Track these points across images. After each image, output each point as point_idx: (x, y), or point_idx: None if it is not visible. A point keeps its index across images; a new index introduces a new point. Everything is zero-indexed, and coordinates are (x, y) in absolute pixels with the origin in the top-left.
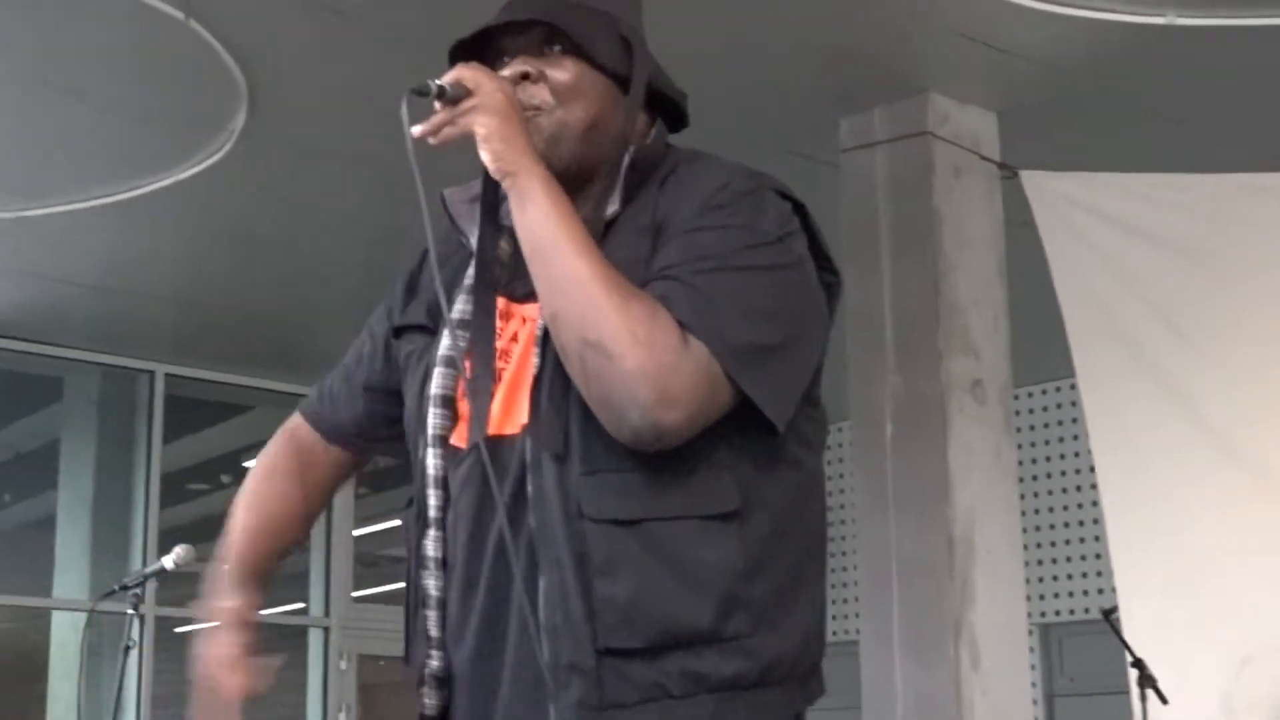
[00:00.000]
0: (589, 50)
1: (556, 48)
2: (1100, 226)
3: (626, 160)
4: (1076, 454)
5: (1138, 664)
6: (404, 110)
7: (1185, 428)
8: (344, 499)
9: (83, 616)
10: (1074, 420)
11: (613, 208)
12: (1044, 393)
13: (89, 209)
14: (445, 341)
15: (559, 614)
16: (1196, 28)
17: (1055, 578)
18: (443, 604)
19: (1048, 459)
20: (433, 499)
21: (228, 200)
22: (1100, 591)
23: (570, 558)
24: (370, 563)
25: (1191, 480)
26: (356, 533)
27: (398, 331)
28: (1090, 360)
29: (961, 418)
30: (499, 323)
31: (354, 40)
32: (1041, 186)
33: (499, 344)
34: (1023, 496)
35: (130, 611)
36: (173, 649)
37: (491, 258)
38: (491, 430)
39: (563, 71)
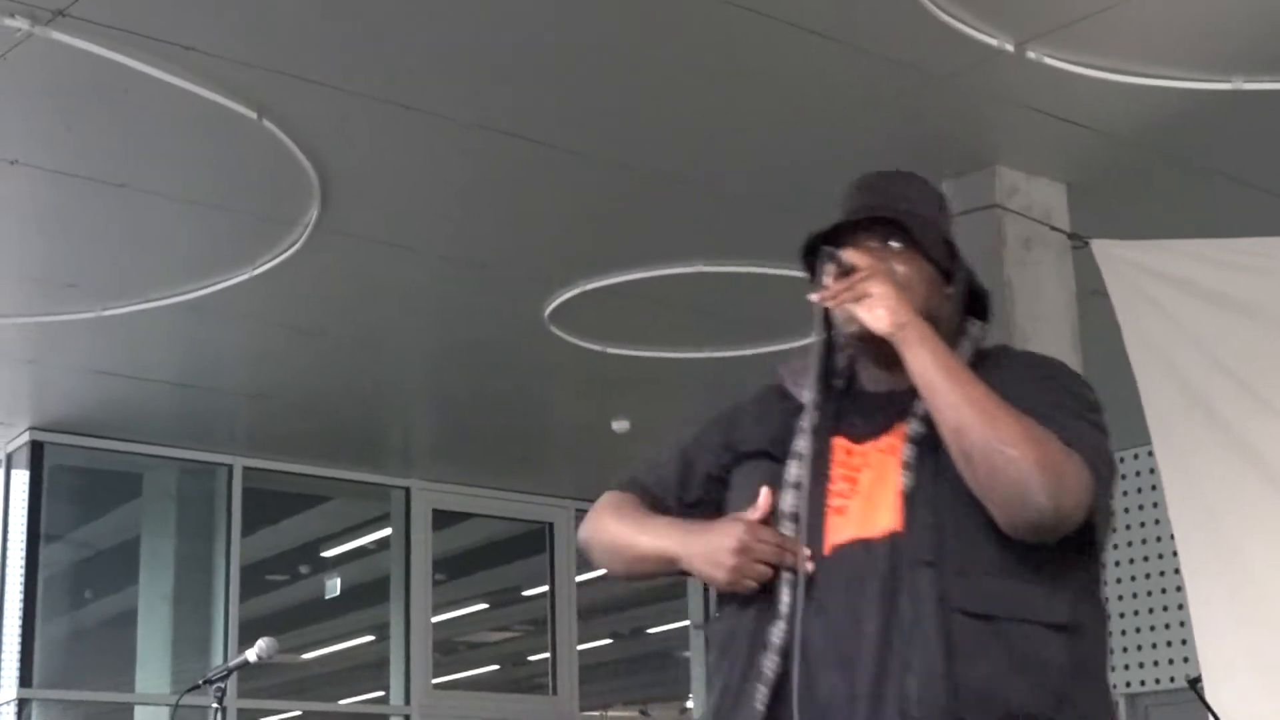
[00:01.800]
0: (924, 246)
1: (894, 244)
2: (1173, 293)
3: (971, 337)
4: (1157, 521)
5: None
6: (821, 273)
7: (1264, 493)
8: (421, 586)
9: (165, 711)
10: (1153, 488)
11: None
12: (1122, 461)
13: (166, 307)
14: (793, 470)
15: (928, 690)
16: (1262, 92)
17: (1140, 647)
18: (774, 682)
19: (1128, 527)
20: (785, 596)
21: (302, 294)
22: (1186, 660)
23: (939, 643)
24: (449, 649)
25: (1271, 546)
26: (435, 619)
27: (739, 457)
28: (1166, 427)
29: None
30: (845, 456)
31: (424, 133)
32: (1112, 255)
33: (842, 471)
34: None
35: (214, 705)
36: None
37: (825, 411)
38: (852, 535)
39: (904, 265)
